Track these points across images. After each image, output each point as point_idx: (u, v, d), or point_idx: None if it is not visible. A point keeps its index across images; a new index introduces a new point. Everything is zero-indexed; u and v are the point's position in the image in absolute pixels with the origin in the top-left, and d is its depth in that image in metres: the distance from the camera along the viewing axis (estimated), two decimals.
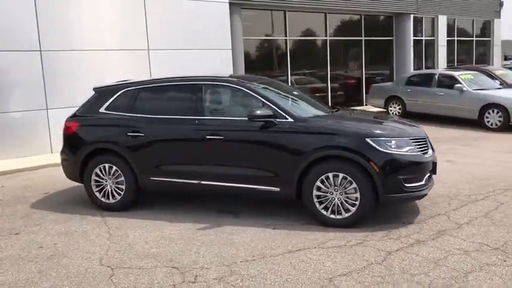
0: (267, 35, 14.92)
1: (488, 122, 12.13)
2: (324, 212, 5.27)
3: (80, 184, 7.27)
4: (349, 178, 5.12)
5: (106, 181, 6.13)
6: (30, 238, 5.29)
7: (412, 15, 17.96)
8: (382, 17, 17.96)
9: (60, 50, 10.24)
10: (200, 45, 12.08)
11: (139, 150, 5.92)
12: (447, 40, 20.48)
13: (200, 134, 5.65)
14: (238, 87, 5.78)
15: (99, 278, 4.20)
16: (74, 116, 6.48)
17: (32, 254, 4.81)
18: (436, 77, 13.84)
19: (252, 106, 5.58)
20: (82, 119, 6.34)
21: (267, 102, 5.55)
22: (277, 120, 5.40)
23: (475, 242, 4.69)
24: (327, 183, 5.22)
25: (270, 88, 6.13)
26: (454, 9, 20.30)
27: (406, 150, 5.20)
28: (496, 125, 11.99)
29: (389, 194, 5.10)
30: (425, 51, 19.66)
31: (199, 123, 5.70)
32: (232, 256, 4.57)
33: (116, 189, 6.10)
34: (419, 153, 5.30)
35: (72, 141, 6.35)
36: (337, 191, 5.19)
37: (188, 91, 5.93)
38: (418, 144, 5.39)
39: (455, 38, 21.14)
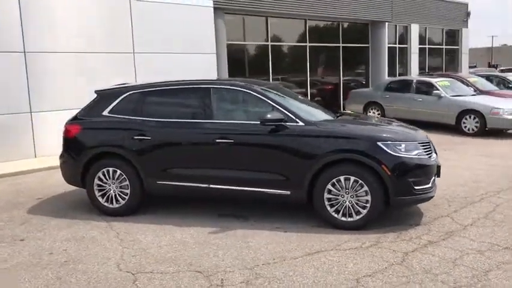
0: (249, 40, 14.99)
1: (465, 127, 12.55)
2: (335, 215, 5.34)
3: (74, 189, 7.18)
4: (360, 181, 5.21)
5: (109, 185, 6.02)
6: (37, 244, 5.15)
7: (387, 23, 18.41)
8: (359, 25, 18.33)
9: (45, 52, 10.00)
10: (185, 49, 12.05)
11: (145, 154, 5.85)
12: (419, 48, 21.08)
13: (210, 137, 5.64)
14: (248, 91, 5.80)
15: (123, 283, 4.14)
16: (75, 119, 6.35)
17: (44, 261, 4.68)
18: (414, 83, 14.24)
19: (262, 110, 5.62)
20: (84, 122, 6.21)
21: (277, 106, 5.59)
22: (288, 124, 5.45)
23: (485, 242, 4.86)
24: (338, 186, 5.30)
25: (277, 92, 6.18)
26: (426, 18, 20.95)
27: (415, 154, 5.34)
28: (473, 130, 12.43)
29: (399, 196, 5.23)
30: (398, 58, 20.18)
31: (209, 126, 5.69)
32: (253, 259, 4.58)
33: (120, 193, 6.00)
34: (426, 156, 5.45)
35: (73, 145, 6.20)
36: (348, 193, 5.28)
37: (196, 94, 5.91)
38: (424, 148, 5.55)
39: (427, 46, 21.81)
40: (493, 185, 7.16)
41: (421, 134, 5.93)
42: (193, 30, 12.20)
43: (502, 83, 17.63)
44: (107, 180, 6.02)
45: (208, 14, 12.55)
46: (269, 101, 5.66)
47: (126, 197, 5.98)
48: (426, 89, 13.83)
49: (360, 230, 5.28)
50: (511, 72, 24.89)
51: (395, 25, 19.59)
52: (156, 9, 11.57)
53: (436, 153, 5.92)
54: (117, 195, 6.01)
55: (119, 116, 6.06)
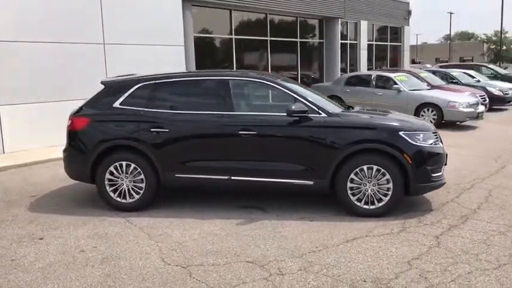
0: (214, 33, 14.87)
1: (423, 119, 13.23)
2: (358, 203, 5.52)
3: (67, 184, 6.99)
4: (382, 170, 5.42)
5: (122, 180, 5.82)
6: (60, 242, 4.89)
7: (340, 20, 18.96)
8: (314, 21, 18.74)
9: (12, 41, 9.39)
10: (155, 40, 11.77)
11: (163, 147, 5.71)
12: (367, 44, 21.92)
13: (232, 129, 5.61)
14: (269, 83, 5.83)
15: (180, 277, 4.05)
16: (81, 111, 6.05)
17: (80, 259, 4.47)
18: (374, 78, 14.81)
19: (284, 102, 5.67)
20: (94, 115, 5.94)
21: (299, 98, 5.67)
22: (312, 115, 5.54)
23: (501, 224, 5.23)
24: (360, 175, 5.47)
25: (294, 85, 6.24)
26: (373, 15, 21.80)
27: (431, 143, 5.63)
28: (431, 122, 13.14)
29: (419, 183, 5.49)
30: (349, 54, 20.86)
31: (231, 118, 5.65)
32: (296, 248, 4.64)
33: (134, 188, 5.82)
34: (439, 145, 5.76)
35: (81, 138, 5.92)
36: (370, 182, 5.47)
37: (215, 86, 5.85)
38: (435, 137, 5.85)
39: (374, 43, 22.71)
40: (473, 173, 7.65)
41: (429, 124, 6.24)
42: (163, 22, 11.95)
43: (445, 78, 18.76)
44: (119, 174, 5.82)
45: (177, 4, 12.34)
46: (291, 93, 5.72)
47: (141, 192, 5.80)
48: (385, 83, 14.43)
49: (380, 217, 5.48)
50: (450, 68, 26.40)
51: (347, 21, 20.23)
52: (126, 0, 11.23)
53: (441, 142, 6.25)
54: (131, 190, 5.82)
55: (132, 107, 5.87)
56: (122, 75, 6.38)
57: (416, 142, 5.48)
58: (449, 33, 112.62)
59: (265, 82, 5.85)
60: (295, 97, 5.68)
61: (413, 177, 5.42)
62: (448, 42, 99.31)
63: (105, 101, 5.99)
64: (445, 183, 5.83)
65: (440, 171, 5.71)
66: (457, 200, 6.18)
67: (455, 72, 19.21)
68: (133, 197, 5.83)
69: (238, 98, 5.89)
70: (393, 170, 5.41)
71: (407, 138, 5.44)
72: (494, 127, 13.12)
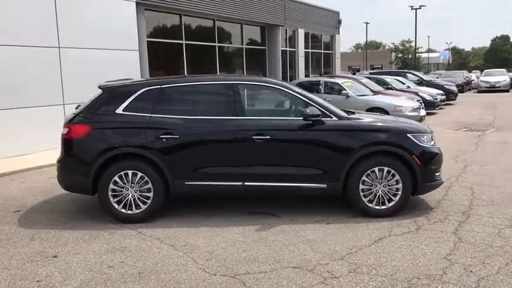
0: (166, 38, 14.51)
1: None
2: (369, 204, 5.66)
3: (51, 197, 6.53)
4: (392, 171, 5.61)
5: (127, 190, 5.51)
6: (80, 259, 4.54)
7: (280, 28, 19.32)
8: (257, 28, 18.92)
9: None
10: (110, 45, 11.35)
11: (173, 154, 5.49)
12: (304, 52, 22.50)
13: (245, 134, 5.52)
14: (280, 87, 5.82)
15: (237, 286, 3.92)
16: (79, 117, 5.63)
17: (114, 275, 4.17)
18: (323, 83, 15.26)
19: (295, 106, 5.69)
20: (95, 122, 5.57)
21: (310, 102, 5.71)
22: (324, 119, 5.61)
23: (502, 218, 5.58)
24: (371, 176, 5.62)
25: (301, 90, 6.26)
26: (308, 24, 22.44)
27: (432, 144, 5.92)
28: None
29: (426, 183, 5.74)
30: (289, 61, 21.29)
31: (243, 123, 5.56)
32: (332, 251, 4.66)
33: (140, 197, 5.53)
34: (438, 146, 6.07)
35: (81, 147, 5.54)
36: (381, 183, 5.64)
37: (224, 91, 5.71)
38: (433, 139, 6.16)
39: (310, 50, 23.36)
40: (448, 170, 8.08)
41: (427, 126, 6.55)
42: (118, 26, 11.53)
43: (380, 84, 19.75)
44: (124, 184, 5.50)
45: (131, 8, 11.96)
46: (303, 98, 5.75)
47: (148, 201, 5.53)
48: (334, 89, 14.93)
49: (391, 217, 5.66)
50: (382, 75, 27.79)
51: (286, 29, 20.64)
52: (81, 3, 10.68)
53: None
54: (137, 200, 5.53)
55: (137, 114, 5.58)
56: (119, 80, 6.05)
57: (422, 143, 5.73)
58: (359, 42, 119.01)
59: (276, 87, 5.83)
60: (306, 101, 5.72)
61: (421, 177, 5.66)
62: (360, 50, 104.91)
63: (105, 107, 5.64)
64: (443, 182, 6.15)
65: (440, 171, 6.02)
66: (447, 198, 6.52)
67: (388, 79, 20.31)
68: (140, 208, 5.54)
69: (250, 102, 5.82)
70: (403, 170, 5.61)
71: (415, 140, 5.67)
72: (437, 129, 13.99)
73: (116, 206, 5.52)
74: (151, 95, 5.66)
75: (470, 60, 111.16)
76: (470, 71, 52.34)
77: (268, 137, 5.53)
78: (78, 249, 4.81)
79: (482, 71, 47.51)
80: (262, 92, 6.06)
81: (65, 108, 10.27)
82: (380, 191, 5.64)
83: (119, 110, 5.60)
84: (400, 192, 5.64)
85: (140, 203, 5.53)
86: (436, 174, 5.87)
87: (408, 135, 5.68)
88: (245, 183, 5.58)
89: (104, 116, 5.62)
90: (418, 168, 5.62)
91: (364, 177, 5.61)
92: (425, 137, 5.84)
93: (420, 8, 49.20)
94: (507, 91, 31.20)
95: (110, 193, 5.50)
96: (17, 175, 8.04)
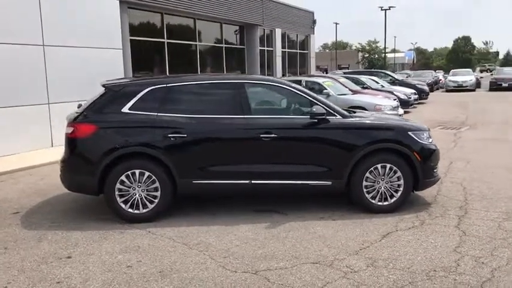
0: (148, 36, 14.37)
1: None
2: (372, 201, 5.80)
3: (49, 198, 6.44)
4: (394, 168, 5.76)
5: (134, 189, 5.48)
6: (95, 260, 4.49)
7: (258, 27, 19.41)
8: (236, 27, 18.94)
9: None
10: (94, 43, 11.17)
11: (180, 153, 5.49)
12: (281, 51, 22.67)
13: (253, 132, 5.57)
14: (286, 87, 5.88)
15: (261, 282, 3.97)
16: (84, 116, 5.55)
17: (135, 275, 4.15)
18: (304, 83, 15.39)
19: (300, 105, 5.77)
20: (101, 121, 5.50)
21: (315, 101, 5.81)
22: (329, 117, 5.72)
23: (499, 212, 5.80)
24: (374, 173, 5.77)
25: (305, 89, 6.35)
26: (285, 23, 22.62)
27: (430, 141, 6.12)
28: None
29: (426, 179, 5.92)
30: (267, 60, 21.40)
31: (251, 122, 5.61)
32: (346, 246, 4.76)
33: (147, 197, 5.51)
34: (435, 143, 6.27)
35: (86, 146, 5.47)
36: (383, 180, 5.79)
37: (231, 90, 5.74)
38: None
39: (287, 50, 23.54)
40: None
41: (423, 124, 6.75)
42: (103, 24, 11.36)
43: (356, 83, 20.09)
44: (130, 183, 5.47)
45: (115, 6, 11.80)
46: (308, 97, 5.84)
47: (155, 201, 5.51)
48: (314, 88, 15.08)
49: (392, 212, 5.81)
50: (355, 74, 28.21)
51: (264, 29, 20.75)
52: (65, 1, 10.49)
53: None
54: (144, 199, 5.50)
55: (144, 112, 5.55)
56: (123, 78, 5.99)
57: (422, 140, 5.91)
58: (326, 42, 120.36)
59: (282, 86, 5.90)
60: (311, 100, 5.81)
61: (421, 173, 5.84)
62: (327, 50, 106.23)
63: (111, 106, 5.58)
64: (440, 178, 6.36)
65: (437, 167, 6.22)
66: (442, 193, 6.72)
67: (363, 78, 20.67)
68: (147, 207, 5.52)
69: (257, 101, 5.86)
70: (404, 167, 5.77)
71: (415, 138, 5.85)
72: None
73: (122, 205, 5.48)
74: (158, 94, 5.63)
75: (433, 60, 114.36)
76: (434, 71, 53.91)
77: (275, 135, 5.59)
78: (91, 249, 4.76)
79: (445, 70, 49.04)
80: (268, 91, 6.12)
81: (49, 107, 10.06)
82: (382, 188, 5.79)
83: (125, 109, 5.56)
84: (401, 189, 5.80)
85: (147, 203, 5.51)
86: (434, 170, 6.07)
87: (409, 132, 5.85)
88: (252, 182, 5.63)
89: (109, 115, 5.56)
90: (418, 165, 5.80)
91: (367, 174, 5.74)
92: (425, 134, 6.03)
93: (389, 9, 50.16)
94: (473, 90, 32.23)
95: (116, 193, 5.45)
96: (7, 176, 7.85)
